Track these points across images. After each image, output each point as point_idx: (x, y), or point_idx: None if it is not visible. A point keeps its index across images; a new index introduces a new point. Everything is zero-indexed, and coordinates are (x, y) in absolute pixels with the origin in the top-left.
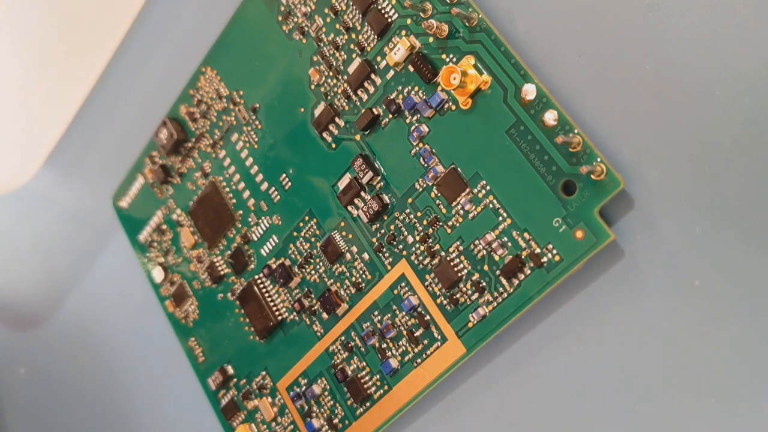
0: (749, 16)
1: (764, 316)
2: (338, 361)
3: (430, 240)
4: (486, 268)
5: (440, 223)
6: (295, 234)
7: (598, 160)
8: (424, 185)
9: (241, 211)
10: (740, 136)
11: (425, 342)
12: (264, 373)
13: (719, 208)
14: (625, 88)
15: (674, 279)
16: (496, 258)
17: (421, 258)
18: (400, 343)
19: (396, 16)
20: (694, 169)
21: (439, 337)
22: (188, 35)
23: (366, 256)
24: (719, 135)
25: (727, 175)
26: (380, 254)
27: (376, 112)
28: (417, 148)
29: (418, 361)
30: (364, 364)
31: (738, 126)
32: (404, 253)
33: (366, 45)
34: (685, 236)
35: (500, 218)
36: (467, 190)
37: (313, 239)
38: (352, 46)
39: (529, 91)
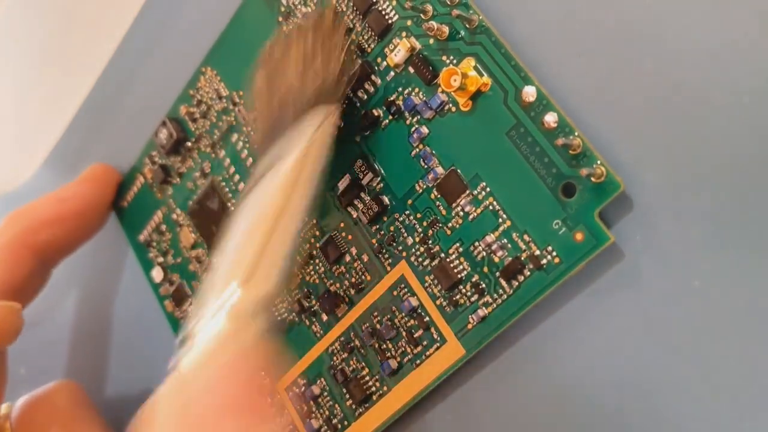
0: (751, 17)
1: (764, 317)
2: (337, 361)
3: (430, 241)
4: (486, 269)
5: (440, 225)
6: None
7: (598, 162)
8: (424, 186)
9: None
10: (740, 138)
11: (425, 343)
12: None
13: (719, 209)
14: (626, 89)
15: (674, 280)
16: (496, 260)
17: (420, 259)
18: (400, 344)
19: (396, 17)
20: (694, 171)
21: (439, 339)
22: (188, 35)
23: (366, 257)
24: (719, 136)
25: (727, 177)
26: (380, 255)
27: (376, 114)
28: (417, 150)
29: (418, 362)
30: (364, 364)
31: (738, 127)
32: (404, 254)
33: (366, 46)
34: (684, 237)
35: (500, 220)
36: (467, 191)
37: (312, 240)
38: (352, 47)
39: (530, 93)
